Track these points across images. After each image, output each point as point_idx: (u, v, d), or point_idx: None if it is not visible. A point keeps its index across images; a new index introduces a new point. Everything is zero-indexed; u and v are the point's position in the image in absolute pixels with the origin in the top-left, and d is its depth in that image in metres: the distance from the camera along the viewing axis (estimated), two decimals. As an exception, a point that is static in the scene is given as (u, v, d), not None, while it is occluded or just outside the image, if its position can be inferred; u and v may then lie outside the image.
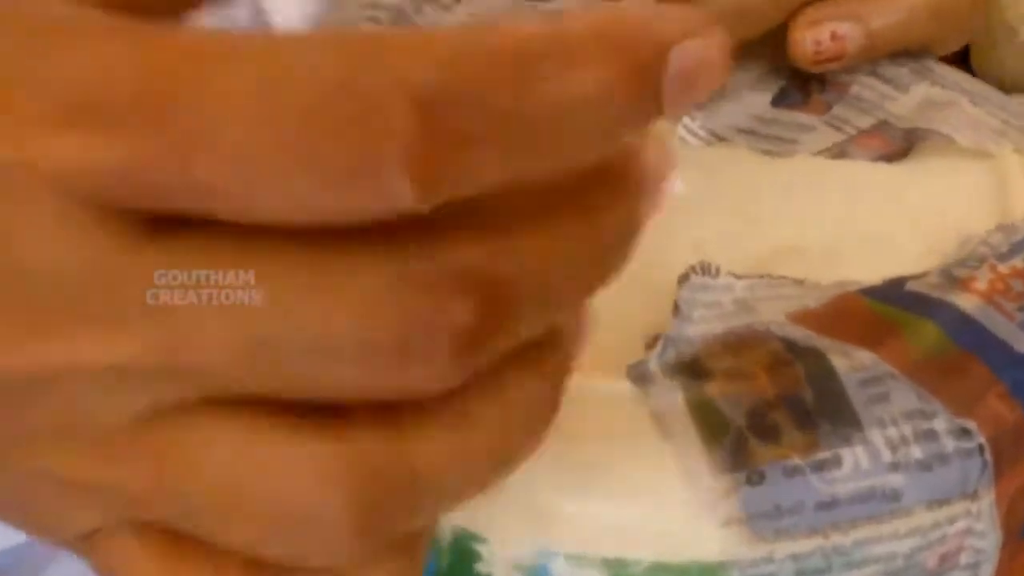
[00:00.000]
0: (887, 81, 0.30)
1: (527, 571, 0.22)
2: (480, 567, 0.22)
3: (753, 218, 0.26)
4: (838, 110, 0.29)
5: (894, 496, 0.21)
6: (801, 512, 0.21)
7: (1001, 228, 0.25)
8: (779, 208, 0.26)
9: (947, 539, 0.22)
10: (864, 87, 0.30)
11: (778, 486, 0.21)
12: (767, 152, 0.28)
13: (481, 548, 0.22)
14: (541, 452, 0.18)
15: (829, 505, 0.21)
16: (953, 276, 0.24)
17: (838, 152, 0.28)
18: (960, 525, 0.22)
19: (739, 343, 0.23)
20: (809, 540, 0.21)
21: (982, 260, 0.24)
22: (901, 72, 0.30)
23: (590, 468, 0.22)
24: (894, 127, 0.28)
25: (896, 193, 0.27)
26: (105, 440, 0.15)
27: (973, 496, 0.22)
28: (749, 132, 0.29)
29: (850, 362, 0.22)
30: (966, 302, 0.23)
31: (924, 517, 0.22)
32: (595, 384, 0.22)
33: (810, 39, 0.30)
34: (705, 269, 0.24)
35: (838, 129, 0.29)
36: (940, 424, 0.21)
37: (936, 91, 0.29)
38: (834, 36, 0.30)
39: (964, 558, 0.22)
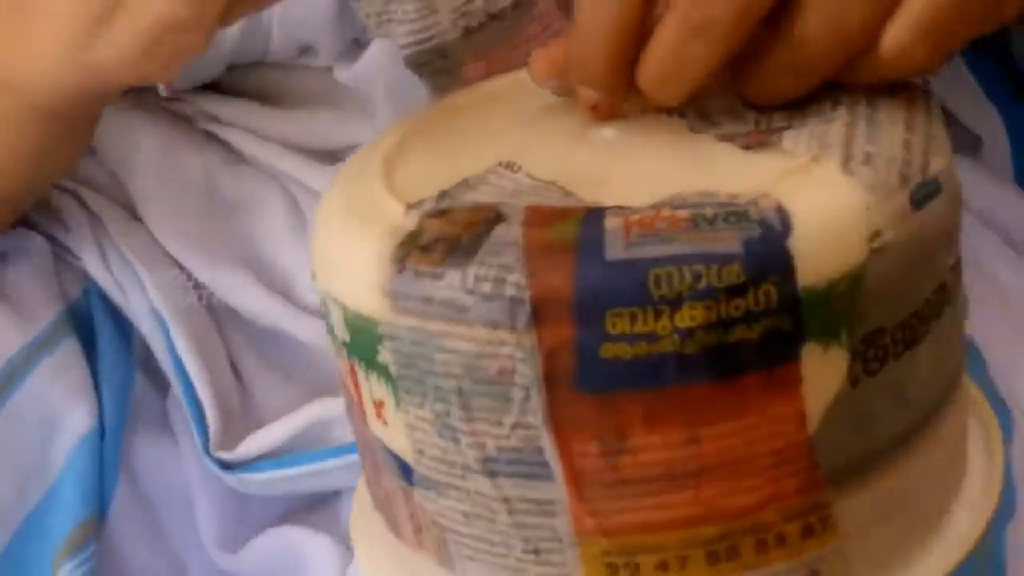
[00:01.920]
0: (836, 104, 0.36)
1: (321, 298, 0.36)
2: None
3: (597, 159, 0.36)
4: (776, 115, 0.36)
5: (463, 309, 0.31)
6: (413, 300, 0.32)
7: (703, 192, 0.32)
8: (621, 156, 0.35)
9: (500, 356, 0.31)
10: (817, 102, 0.36)
11: (410, 280, 0.32)
12: (691, 128, 0.36)
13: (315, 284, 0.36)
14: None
15: (427, 301, 0.32)
16: (634, 209, 0.32)
17: (725, 137, 0.35)
18: (507, 349, 0.31)
19: (475, 207, 0.34)
20: (415, 319, 0.32)
21: (662, 205, 0.32)
22: (845, 100, 0.36)
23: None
24: (785, 130, 0.35)
25: (703, 166, 0.34)
26: None
27: (515, 331, 0.31)
28: (706, 117, 0.37)
29: (505, 228, 0.32)
30: (611, 223, 0.31)
31: (481, 331, 0.31)
32: (392, 202, 0.35)
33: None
34: (510, 166, 0.35)
35: (757, 124, 0.36)
36: (512, 277, 0.31)
37: (842, 113, 0.35)
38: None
39: (518, 379, 0.31)
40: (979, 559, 0.38)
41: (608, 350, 0.31)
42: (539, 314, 0.31)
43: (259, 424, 0.56)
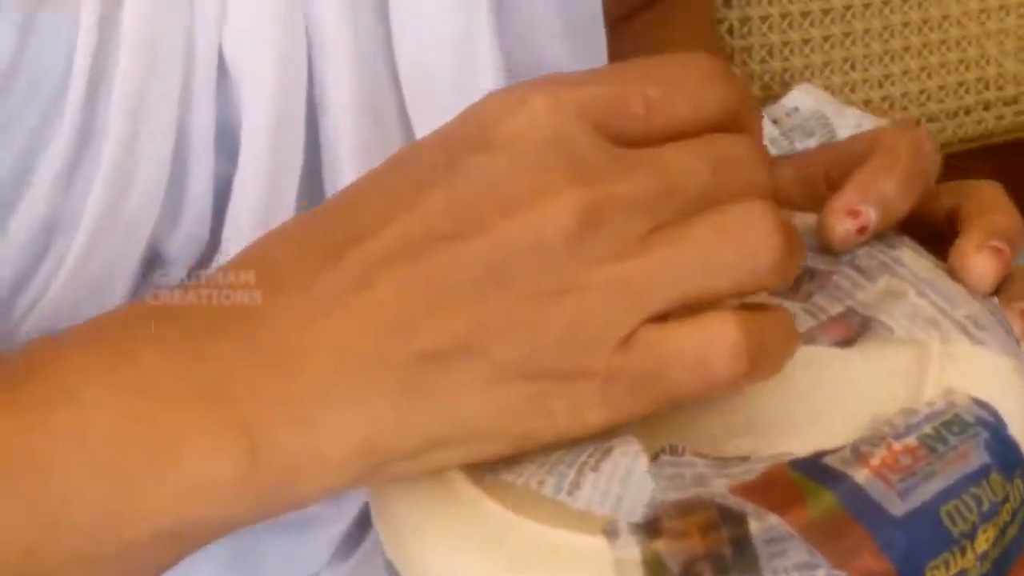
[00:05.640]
0: (861, 271, 0.37)
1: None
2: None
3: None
4: (817, 298, 0.37)
5: (782, 625, 0.29)
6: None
7: (903, 411, 0.32)
8: (755, 397, 0.35)
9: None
10: (843, 277, 0.37)
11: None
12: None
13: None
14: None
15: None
16: (859, 452, 0.32)
17: (808, 339, 0.36)
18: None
19: (686, 508, 0.31)
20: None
21: (883, 439, 0.32)
22: (872, 264, 0.37)
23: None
24: (857, 314, 0.36)
25: (834, 377, 0.34)
26: None
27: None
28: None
29: (762, 524, 0.30)
30: (860, 475, 0.31)
31: (809, 642, 0.30)
32: (572, 535, 0.31)
33: (842, 225, 0.37)
34: (673, 450, 0.33)
35: (813, 316, 0.36)
36: (819, 572, 0.29)
37: (894, 282, 0.36)
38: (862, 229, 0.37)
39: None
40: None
41: (931, 602, 0.30)
42: (867, 602, 0.30)
43: None
